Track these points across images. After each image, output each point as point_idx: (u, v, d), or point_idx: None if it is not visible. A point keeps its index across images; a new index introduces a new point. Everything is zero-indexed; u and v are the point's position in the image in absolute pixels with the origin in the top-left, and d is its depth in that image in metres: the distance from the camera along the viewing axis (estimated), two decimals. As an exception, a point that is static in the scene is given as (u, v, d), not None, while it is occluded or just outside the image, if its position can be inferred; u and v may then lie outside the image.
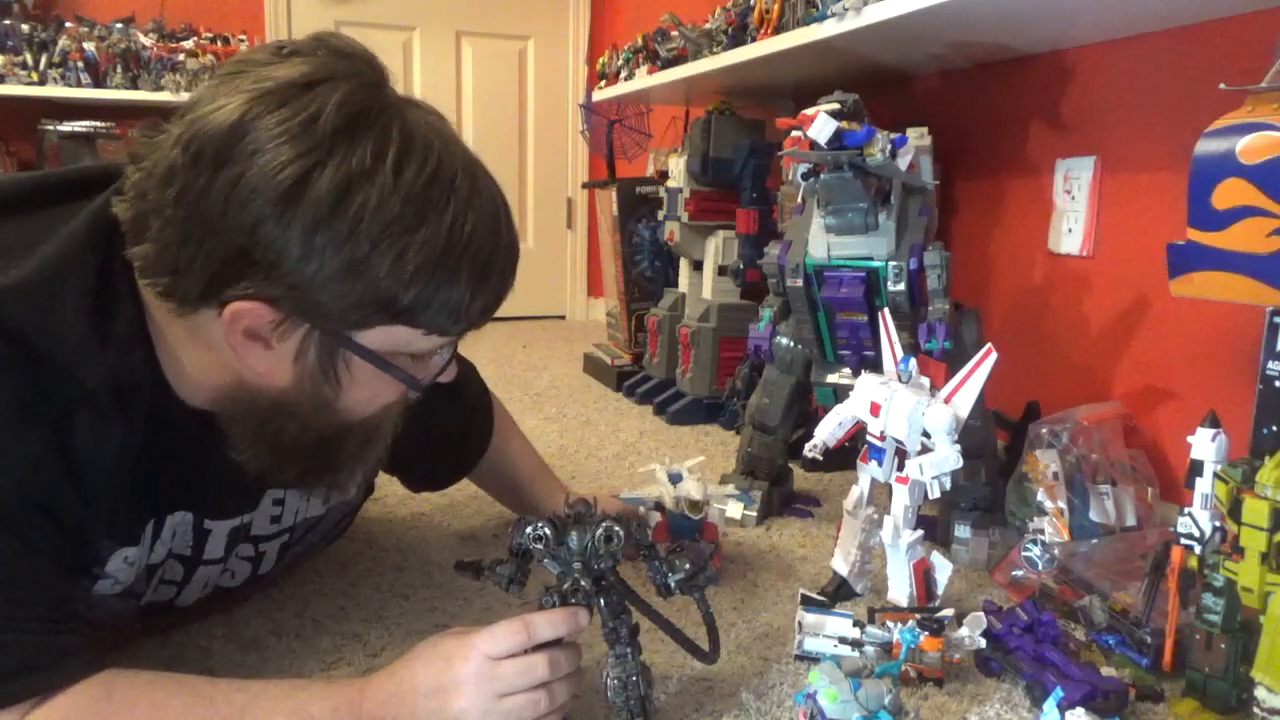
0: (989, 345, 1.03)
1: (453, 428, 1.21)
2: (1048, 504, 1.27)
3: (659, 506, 1.25)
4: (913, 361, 1.10)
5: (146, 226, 0.70)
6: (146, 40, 3.38)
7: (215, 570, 0.97)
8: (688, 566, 0.88)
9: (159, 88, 3.33)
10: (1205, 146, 0.99)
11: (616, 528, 0.83)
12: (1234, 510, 0.85)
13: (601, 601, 0.84)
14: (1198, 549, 0.90)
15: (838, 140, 1.18)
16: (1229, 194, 0.96)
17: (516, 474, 1.31)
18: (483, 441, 1.27)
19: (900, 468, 1.08)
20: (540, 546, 0.84)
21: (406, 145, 0.70)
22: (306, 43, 0.73)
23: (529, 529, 0.84)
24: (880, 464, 1.10)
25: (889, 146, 1.20)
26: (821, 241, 1.32)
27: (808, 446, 1.16)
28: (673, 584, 0.88)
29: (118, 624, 0.94)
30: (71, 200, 0.78)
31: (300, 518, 1.02)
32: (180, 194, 0.68)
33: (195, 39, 3.44)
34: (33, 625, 0.70)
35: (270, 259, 0.68)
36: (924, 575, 1.08)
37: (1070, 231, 1.57)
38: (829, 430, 1.15)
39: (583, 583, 0.82)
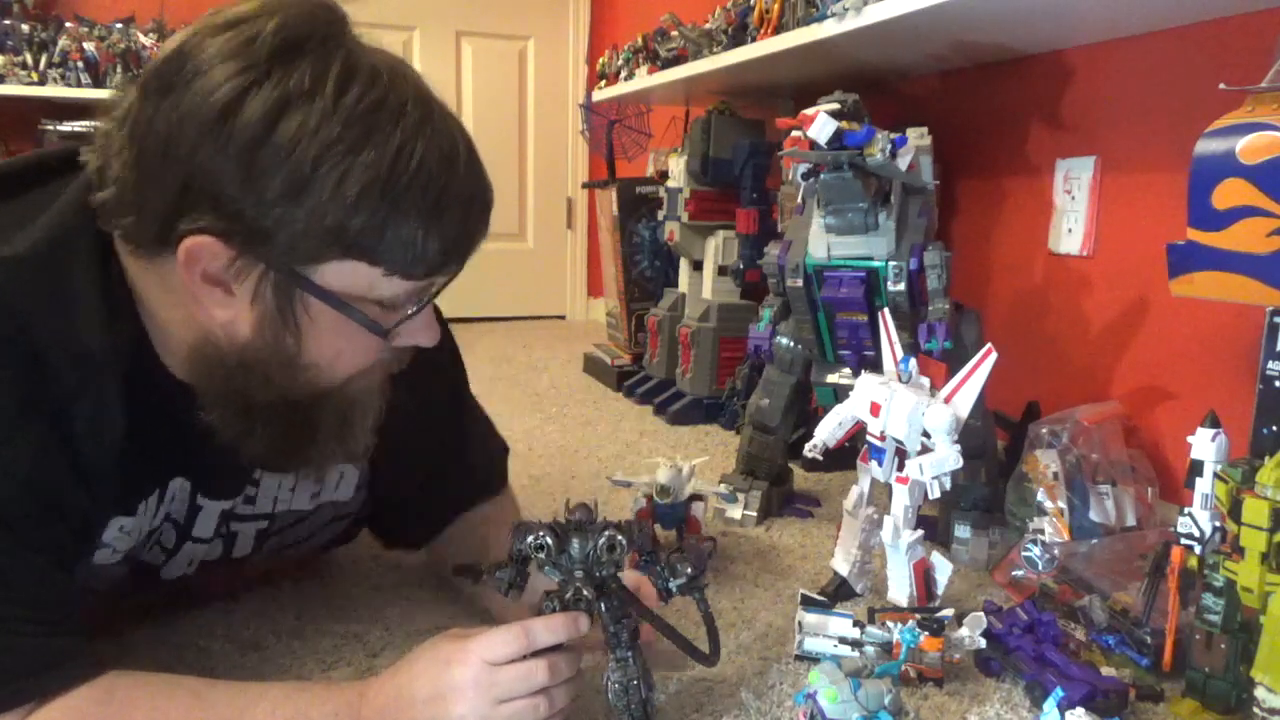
0: (989, 345, 1.03)
1: (453, 463, 1.09)
2: (1048, 504, 1.27)
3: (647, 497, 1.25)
4: (913, 361, 1.10)
5: (109, 169, 0.70)
6: (146, 40, 3.38)
7: (202, 550, 0.96)
8: (689, 570, 0.87)
9: (159, 87, 3.33)
10: (1205, 146, 0.98)
11: (620, 536, 0.82)
12: (1234, 510, 0.85)
13: (602, 606, 0.82)
14: (1198, 549, 0.90)
15: (838, 140, 1.18)
16: (1229, 194, 0.96)
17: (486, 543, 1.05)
18: (489, 482, 1.14)
19: (900, 468, 1.08)
20: (541, 555, 0.83)
21: (350, 70, 0.68)
22: None
23: (530, 537, 0.82)
24: (880, 464, 1.10)
25: (889, 146, 1.20)
26: (821, 241, 1.32)
27: (807, 446, 1.16)
28: (673, 588, 0.88)
29: (111, 590, 0.93)
30: (54, 180, 0.77)
31: (282, 507, 1.00)
32: (132, 130, 0.68)
33: (195, 39, 3.44)
34: (30, 628, 0.70)
35: (212, 187, 0.67)
36: (924, 575, 1.08)
37: (1070, 231, 1.57)
38: (829, 430, 1.15)
39: (585, 591, 0.81)
